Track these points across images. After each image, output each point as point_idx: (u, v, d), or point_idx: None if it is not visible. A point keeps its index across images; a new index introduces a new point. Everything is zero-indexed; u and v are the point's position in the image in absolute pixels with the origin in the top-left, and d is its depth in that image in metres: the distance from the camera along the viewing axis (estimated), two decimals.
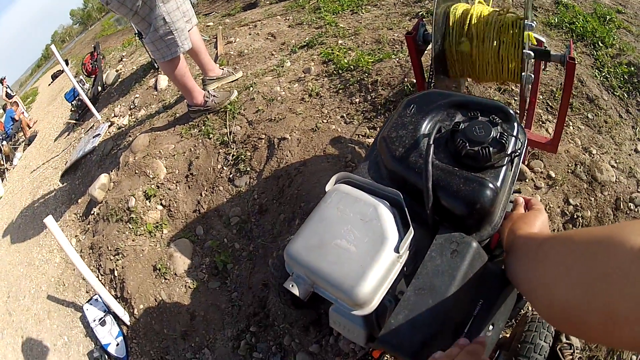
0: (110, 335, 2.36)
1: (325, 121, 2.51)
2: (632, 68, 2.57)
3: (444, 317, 0.85)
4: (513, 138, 0.99)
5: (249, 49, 3.61)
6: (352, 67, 2.79)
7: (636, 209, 1.93)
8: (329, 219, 1.01)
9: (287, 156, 2.40)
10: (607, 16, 2.97)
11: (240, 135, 2.69)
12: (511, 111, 1.04)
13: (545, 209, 1.66)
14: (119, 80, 4.87)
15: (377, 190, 1.05)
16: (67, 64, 4.70)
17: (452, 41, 1.56)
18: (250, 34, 3.94)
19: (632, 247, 0.42)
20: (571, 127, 2.25)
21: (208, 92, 2.91)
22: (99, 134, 3.82)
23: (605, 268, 0.45)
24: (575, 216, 1.91)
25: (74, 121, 5.06)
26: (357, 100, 2.57)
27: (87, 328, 2.56)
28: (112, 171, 3.15)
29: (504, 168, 0.98)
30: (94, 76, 5.21)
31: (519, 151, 1.00)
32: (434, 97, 1.15)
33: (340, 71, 2.82)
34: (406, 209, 0.98)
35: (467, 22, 1.53)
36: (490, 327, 0.91)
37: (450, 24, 1.55)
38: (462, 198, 0.95)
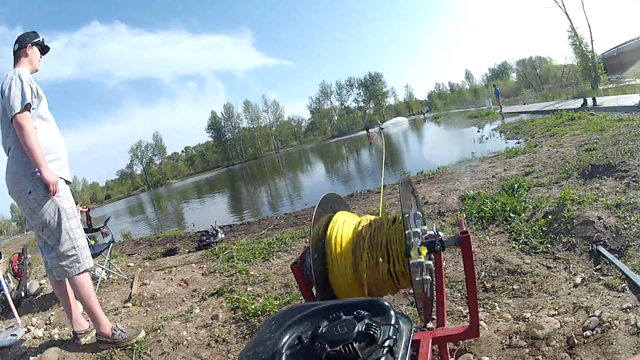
0: None
1: None
2: (550, 216, 2.56)
3: None
4: (387, 327, 0.95)
5: (162, 293, 3.78)
6: (259, 312, 2.98)
7: (594, 333, 1.86)
8: None
9: None
10: (515, 185, 3.00)
11: None
12: (385, 302, 1.02)
13: None
14: (41, 293, 4.70)
15: None
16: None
17: (335, 267, 1.62)
18: (164, 279, 4.18)
19: None
20: (497, 307, 2.25)
21: (116, 325, 2.90)
22: (16, 335, 3.48)
23: None
24: None
25: None
26: None
27: None
28: None
29: (383, 358, 0.90)
30: (19, 279, 4.98)
31: (394, 338, 0.94)
32: (296, 310, 1.12)
33: (247, 317, 3.00)
34: None
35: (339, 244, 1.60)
36: None
37: (329, 245, 1.59)
38: None
